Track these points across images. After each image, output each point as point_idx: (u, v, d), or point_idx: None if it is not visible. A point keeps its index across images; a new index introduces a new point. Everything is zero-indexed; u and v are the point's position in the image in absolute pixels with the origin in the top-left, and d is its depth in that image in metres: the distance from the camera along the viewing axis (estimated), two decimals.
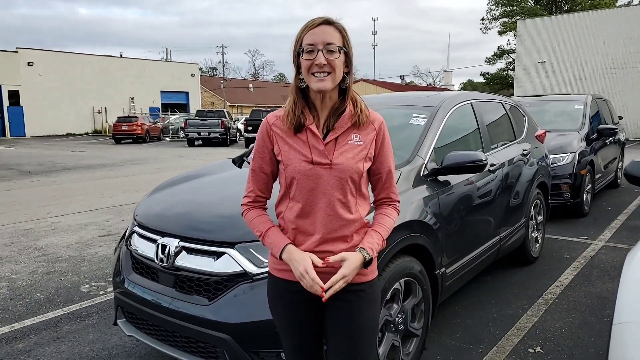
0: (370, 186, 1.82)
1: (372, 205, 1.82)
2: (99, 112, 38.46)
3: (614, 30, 25.51)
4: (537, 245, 5.01)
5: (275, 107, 34.88)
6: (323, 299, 1.61)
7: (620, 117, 10.45)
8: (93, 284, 4.54)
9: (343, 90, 1.71)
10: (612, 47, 25.64)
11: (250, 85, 62.84)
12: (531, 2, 45.03)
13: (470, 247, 3.59)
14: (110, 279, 3.30)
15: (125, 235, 3.20)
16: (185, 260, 2.55)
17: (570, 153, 6.73)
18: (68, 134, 36.20)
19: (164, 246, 2.62)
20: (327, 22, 1.64)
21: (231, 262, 2.41)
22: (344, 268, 1.62)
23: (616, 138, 8.84)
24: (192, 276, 2.52)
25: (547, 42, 27.53)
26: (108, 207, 8.25)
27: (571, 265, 4.83)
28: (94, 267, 5.03)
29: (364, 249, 1.67)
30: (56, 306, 4.02)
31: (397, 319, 2.71)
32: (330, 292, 1.60)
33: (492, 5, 46.60)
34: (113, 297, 3.04)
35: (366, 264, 1.67)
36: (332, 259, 1.63)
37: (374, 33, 63.99)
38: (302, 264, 1.62)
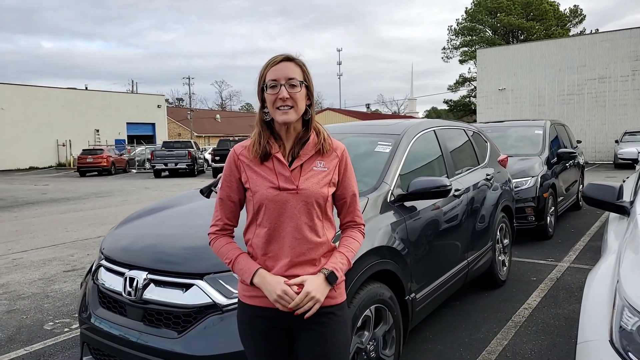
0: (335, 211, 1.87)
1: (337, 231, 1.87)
2: (63, 145, 37.68)
3: (568, 58, 26.74)
4: (505, 268, 5.10)
5: (242, 136, 34.85)
6: (305, 317, 1.65)
7: (579, 141, 10.84)
8: (57, 321, 4.38)
9: (306, 121, 1.79)
10: (567, 74, 26.82)
11: (218, 116, 62.81)
12: (489, 32, 46.82)
13: (439, 271, 3.64)
14: (76, 315, 3.21)
15: (91, 270, 3.14)
16: (154, 293, 2.51)
17: (533, 177, 6.92)
18: (31, 168, 35.26)
19: (131, 279, 2.58)
20: (288, 58, 1.74)
21: (200, 293, 2.39)
22: (306, 285, 1.66)
23: (575, 161, 9.14)
24: (160, 309, 2.48)
25: (506, 70, 28.62)
26: (73, 241, 8.02)
27: (538, 287, 4.93)
28: (58, 303, 4.87)
29: (324, 267, 1.72)
30: (18, 346, 3.86)
31: (368, 346, 2.71)
32: (305, 311, 1.64)
33: (452, 35, 48.31)
34: (79, 333, 2.95)
35: (330, 279, 1.70)
36: (292, 281, 1.67)
37: (339, 63, 65.19)
38: (278, 287, 1.65)
